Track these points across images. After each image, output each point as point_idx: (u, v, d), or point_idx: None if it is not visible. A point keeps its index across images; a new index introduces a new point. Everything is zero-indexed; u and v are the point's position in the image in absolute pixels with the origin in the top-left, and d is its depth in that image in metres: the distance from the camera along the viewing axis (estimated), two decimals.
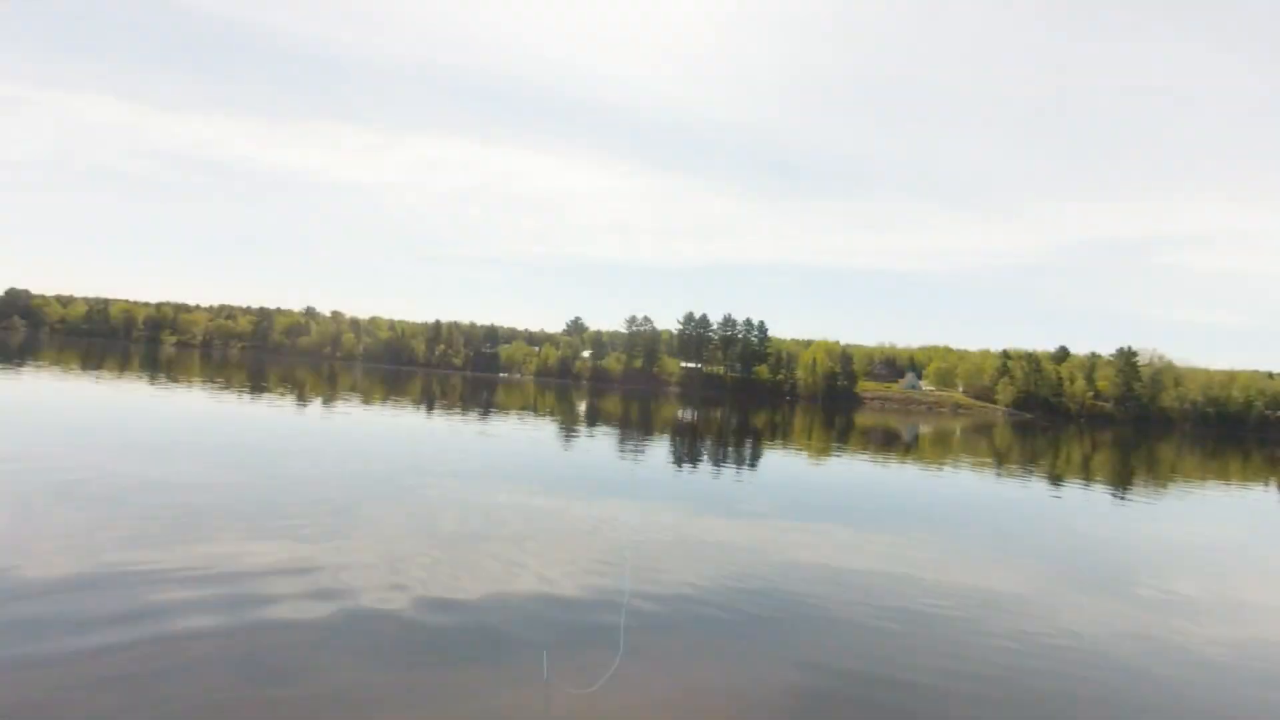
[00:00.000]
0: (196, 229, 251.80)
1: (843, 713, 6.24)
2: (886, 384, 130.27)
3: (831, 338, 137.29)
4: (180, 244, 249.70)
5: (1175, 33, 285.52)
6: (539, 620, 7.69)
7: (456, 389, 67.37)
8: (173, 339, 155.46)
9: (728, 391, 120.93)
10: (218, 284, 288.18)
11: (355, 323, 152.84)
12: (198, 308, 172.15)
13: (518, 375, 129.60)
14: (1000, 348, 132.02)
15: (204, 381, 45.98)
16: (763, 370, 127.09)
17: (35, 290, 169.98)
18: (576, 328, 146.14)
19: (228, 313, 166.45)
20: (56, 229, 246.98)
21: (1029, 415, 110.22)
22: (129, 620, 6.73)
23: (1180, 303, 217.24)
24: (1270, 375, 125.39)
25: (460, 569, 9.29)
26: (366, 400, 42.27)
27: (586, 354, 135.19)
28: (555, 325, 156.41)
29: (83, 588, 7.50)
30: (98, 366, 52.70)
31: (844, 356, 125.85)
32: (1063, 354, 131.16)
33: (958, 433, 59.97)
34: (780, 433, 44.03)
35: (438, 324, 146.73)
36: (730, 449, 31.08)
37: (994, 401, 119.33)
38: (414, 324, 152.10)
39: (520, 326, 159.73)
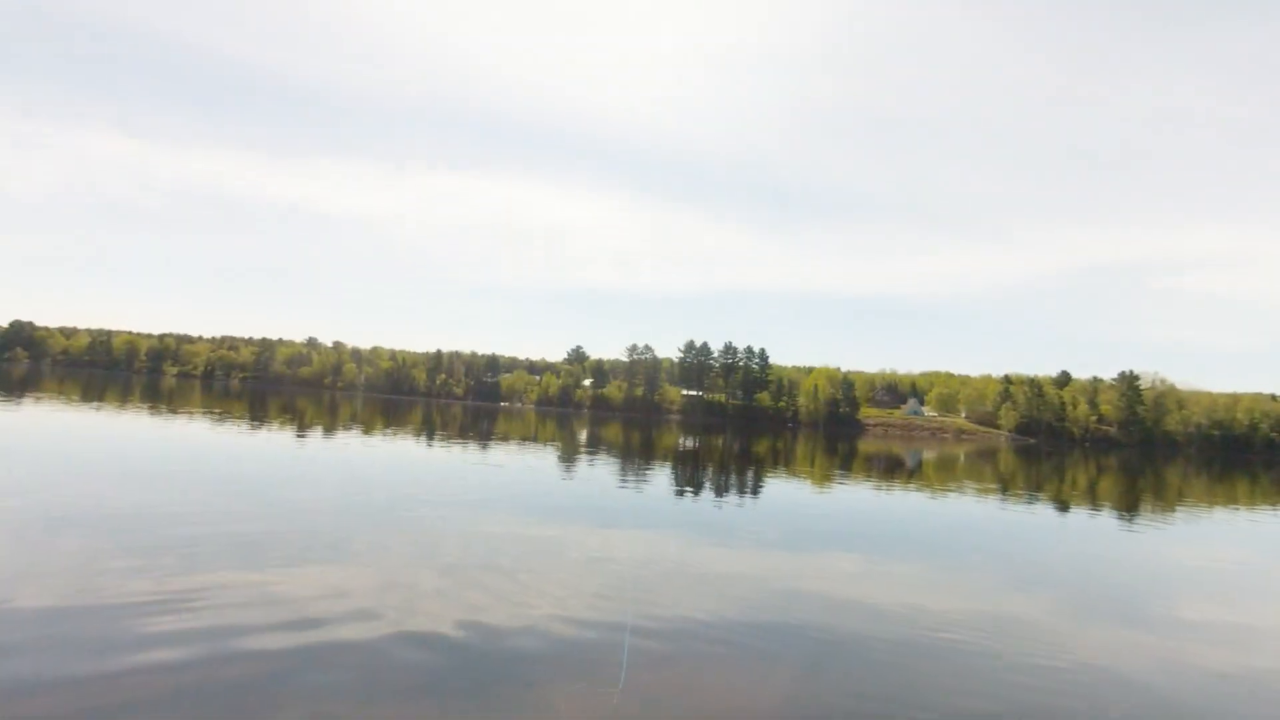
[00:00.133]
0: (200, 261, 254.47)
1: None
2: (889, 410, 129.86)
3: (833, 364, 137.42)
4: (184, 276, 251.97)
5: (1168, 61, 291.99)
6: (539, 652, 7.55)
7: (457, 418, 67.21)
8: (174, 369, 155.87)
9: (729, 419, 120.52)
10: (221, 316, 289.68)
11: (356, 352, 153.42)
12: (200, 339, 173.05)
13: (519, 404, 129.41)
14: (1001, 372, 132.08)
15: (204, 412, 45.93)
16: (764, 397, 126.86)
17: (39, 323, 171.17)
18: (577, 356, 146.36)
19: (230, 343, 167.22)
20: (61, 262, 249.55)
21: (1032, 440, 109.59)
22: (122, 649, 6.62)
23: (1179, 326, 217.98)
24: (1274, 397, 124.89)
25: (460, 600, 9.16)
26: (367, 430, 42.15)
27: (588, 382, 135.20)
28: (556, 354, 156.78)
29: (77, 617, 7.39)
30: (99, 397, 52.71)
31: (845, 383, 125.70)
32: (1064, 378, 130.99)
33: (961, 458, 59.56)
34: (782, 460, 43.75)
35: (439, 353, 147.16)
36: (732, 477, 30.86)
37: (997, 426, 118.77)
38: (415, 354, 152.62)
39: (521, 356, 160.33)
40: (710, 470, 33.04)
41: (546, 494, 21.07)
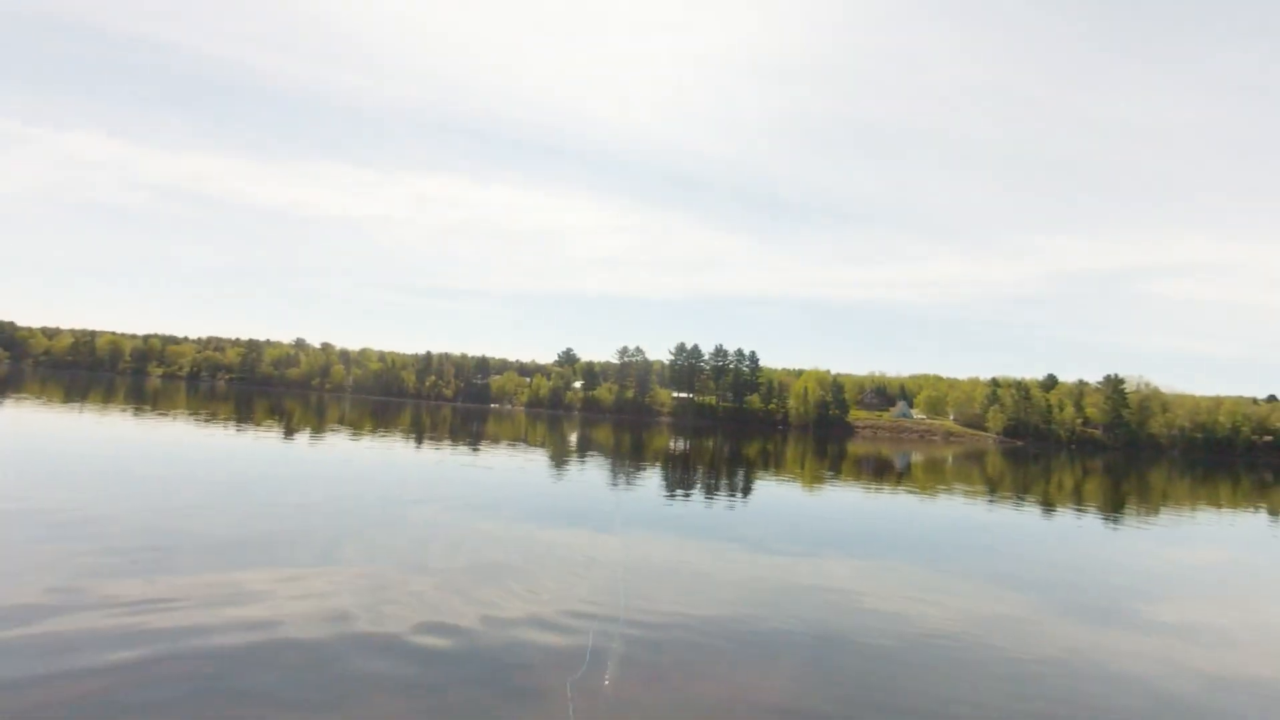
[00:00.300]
0: (187, 263, 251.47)
1: None
2: (878, 413, 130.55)
3: (822, 367, 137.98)
4: (170, 278, 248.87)
5: (1153, 74, 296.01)
6: (529, 651, 7.51)
7: (447, 420, 66.86)
8: (159, 371, 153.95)
9: (720, 421, 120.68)
10: (208, 318, 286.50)
11: (345, 354, 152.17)
12: (185, 339, 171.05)
13: (509, 406, 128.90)
14: (989, 376, 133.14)
15: (190, 413, 45.40)
16: (754, 400, 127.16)
17: (21, 323, 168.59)
18: (568, 359, 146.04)
19: (216, 344, 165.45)
20: (45, 263, 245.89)
21: (1020, 442, 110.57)
22: (111, 645, 6.52)
23: (1163, 331, 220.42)
24: (1255, 401, 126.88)
25: (450, 600, 9.10)
26: (356, 432, 41.83)
27: (578, 384, 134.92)
28: (547, 357, 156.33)
29: (64, 613, 7.27)
30: (82, 399, 51.96)
31: (835, 386, 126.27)
32: (1051, 382, 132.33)
33: (950, 460, 59.97)
34: (773, 462, 43.86)
35: (428, 355, 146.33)
36: (723, 478, 30.88)
37: (985, 429, 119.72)
38: (404, 355, 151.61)
39: (512, 358, 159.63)
40: (701, 472, 33.05)
41: (537, 496, 20.98)
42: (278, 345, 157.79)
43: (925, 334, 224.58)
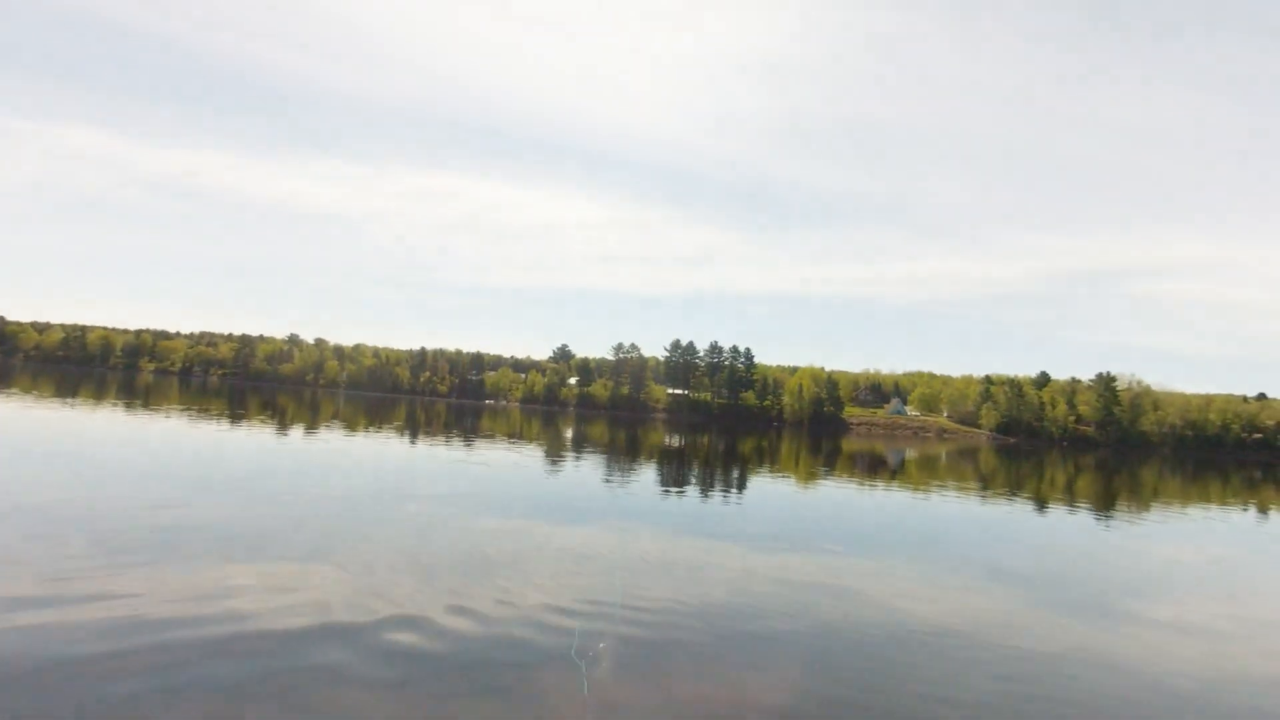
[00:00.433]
0: (180, 257, 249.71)
1: None
2: (872, 409, 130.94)
3: (817, 364, 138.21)
4: (164, 272, 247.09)
5: (1149, 73, 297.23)
6: (522, 644, 7.49)
7: (441, 416, 66.70)
8: (151, 366, 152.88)
9: (714, 418, 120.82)
10: (201, 312, 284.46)
11: (339, 350, 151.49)
12: (178, 334, 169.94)
13: (504, 402, 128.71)
14: (982, 373, 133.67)
15: (182, 408, 45.13)
16: (749, 396, 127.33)
17: (11, 317, 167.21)
18: (563, 355, 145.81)
19: (208, 339, 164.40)
20: (37, 256, 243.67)
21: (1013, 439, 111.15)
22: (94, 638, 6.46)
23: (1155, 330, 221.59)
24: (1245, 399, 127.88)
25: (444, 596, 9.06)
26: (350, 428, 41.67)
27: (573, 381, 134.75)
28: (542, 353, 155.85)
29: (50, 606, 7.20)
30: (73, 394, 51.58)
31: (830, 382, 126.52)
32: (1044, 379, 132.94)
33: (943, 457, 60.23)
34: (767, 458, 43.94)
35: (423, 351, 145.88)
36: (718, 474, 30.92)
37: (978, 426, 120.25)
38: (399, 351, 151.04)
39: (507, 354, 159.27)
40: (696, 468, 33.08)
41: (532, 491, 20.95)
42: (271, 341, 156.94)
43: (920, 331, 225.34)
